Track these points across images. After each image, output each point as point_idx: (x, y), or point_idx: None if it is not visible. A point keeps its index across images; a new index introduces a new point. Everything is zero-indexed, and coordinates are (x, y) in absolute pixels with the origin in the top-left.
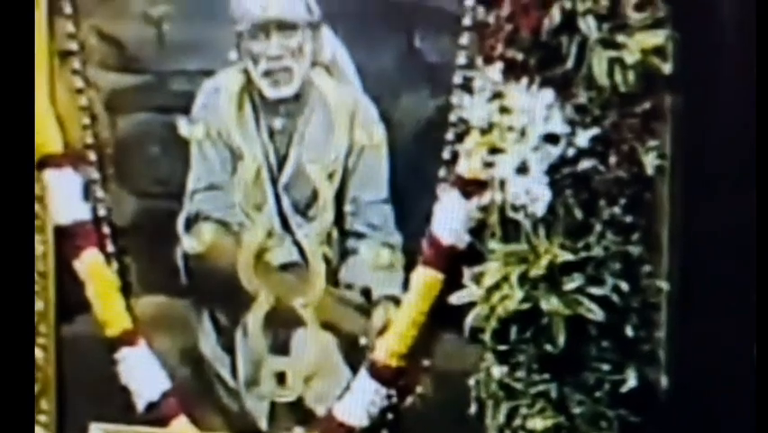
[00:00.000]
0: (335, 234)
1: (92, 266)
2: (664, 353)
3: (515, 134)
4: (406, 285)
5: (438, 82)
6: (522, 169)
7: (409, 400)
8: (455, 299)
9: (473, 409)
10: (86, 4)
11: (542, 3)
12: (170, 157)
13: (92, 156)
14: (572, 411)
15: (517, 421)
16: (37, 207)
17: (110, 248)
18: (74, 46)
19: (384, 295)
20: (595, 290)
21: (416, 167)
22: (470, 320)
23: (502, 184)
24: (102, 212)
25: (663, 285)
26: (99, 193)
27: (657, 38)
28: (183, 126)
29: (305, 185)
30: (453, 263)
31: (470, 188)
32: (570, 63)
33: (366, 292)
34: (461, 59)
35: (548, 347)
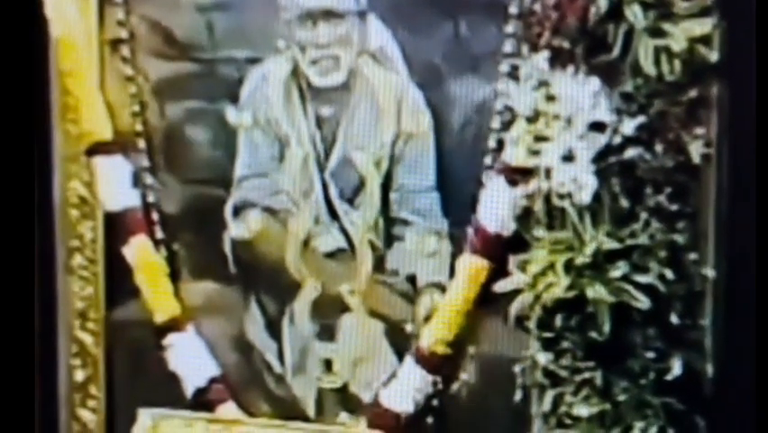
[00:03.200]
0: (382, 221)
1: (141, 252)
2: (710, 341)
3: (561, 123)
4: (452, 272)
5: (484, 70)
6: (568, 157)
7: (455, 386)
8: (501, 286)
9: (518, 396)
10: None
11: None
12: (219, 144)
13: (141, 143)
14: (617, 399)
15: (563, 408)
16: (86, 192)
17: (159, 235)
18: (124, 34)
19: (430, 282)
20: (640, 278)
21: (463, 155)
22: (515, 308)
23: (548, 172)
24: (151, 199)
25: (709, 273)
26: (149, 180)
27: (704, 26)
28: (231, 114)
29: (351, 172)
30: (499, 251)
31: (516, 176)
32: (616, 51)
33: (412, 279)
34: (508, 47)
35: (593, 335)
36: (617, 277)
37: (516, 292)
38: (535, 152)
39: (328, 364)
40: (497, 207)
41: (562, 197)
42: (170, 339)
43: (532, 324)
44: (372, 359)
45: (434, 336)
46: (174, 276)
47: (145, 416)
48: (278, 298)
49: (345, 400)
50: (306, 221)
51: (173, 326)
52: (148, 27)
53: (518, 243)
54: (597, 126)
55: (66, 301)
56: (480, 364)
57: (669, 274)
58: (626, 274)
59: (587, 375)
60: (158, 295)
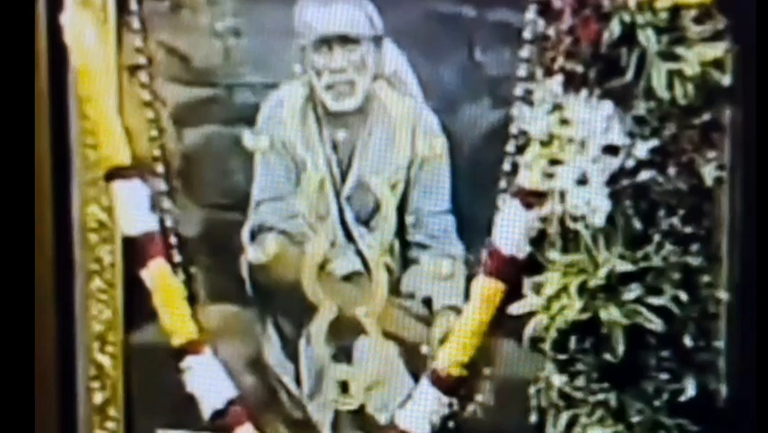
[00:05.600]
0: (397, 244)
1: (159, 276)
2: (724, 362)
3: (575, 146)
4: (467, 295)
5: (499, 94)
6: (582, 180)
7: (470, 408)
8: (515, 308)
9: (534, 417)
10: (154, 19)
11: (601, 16)
12: (235, 169)
13: (159, 168)
14: (632, 420)
15: (577, 430)
16: (105, 217)
17: (177, 258)
18: (142, 60)
19: (445, 305)
20: (654, 300)
21: (477, 178)
22: (530, 330)
23: (562, 195)
24: (169, 223)
25: (723, 295)
26: (167, 204)
27: (716, 50)
28: (248, 138)
29: (367, 196)
30: (514, 273)
31: (530, 199)
32: (629, 75)
33: (427, 302)
34: (522, 71)
35: (607, 357)
36: (631, 299)
37: (530, 314)
38: (549, 176)
39: (344, 387)
40: (511, 229)
41: (576, 219)
42: (188, 362)
43: (546, 346)
44: (388, 381)
45: (449, 358)
46: (192, 299)
47: None
48: (294, 320)
49: (361, 422)
50: (323, 244)
51: (191, 348)
52: (165, 53)
53: (533, 265)
54: (610, 149)
55: (85, 324)
56: (495, 386)
57: (682, 296)
58: (640, 296)
59: (601, 397)
60: (175, 318)
